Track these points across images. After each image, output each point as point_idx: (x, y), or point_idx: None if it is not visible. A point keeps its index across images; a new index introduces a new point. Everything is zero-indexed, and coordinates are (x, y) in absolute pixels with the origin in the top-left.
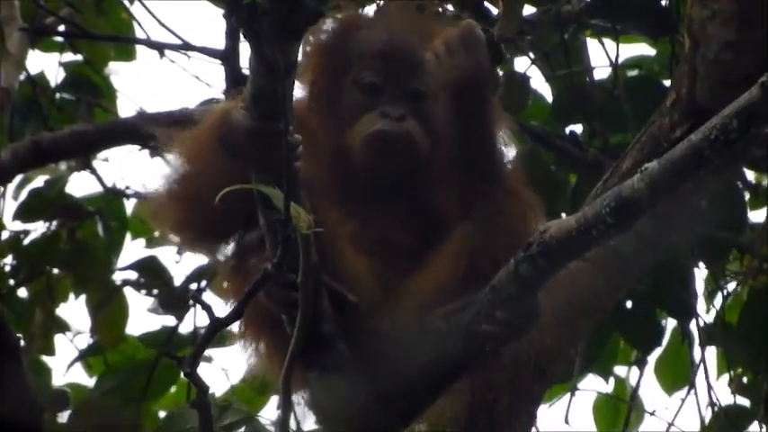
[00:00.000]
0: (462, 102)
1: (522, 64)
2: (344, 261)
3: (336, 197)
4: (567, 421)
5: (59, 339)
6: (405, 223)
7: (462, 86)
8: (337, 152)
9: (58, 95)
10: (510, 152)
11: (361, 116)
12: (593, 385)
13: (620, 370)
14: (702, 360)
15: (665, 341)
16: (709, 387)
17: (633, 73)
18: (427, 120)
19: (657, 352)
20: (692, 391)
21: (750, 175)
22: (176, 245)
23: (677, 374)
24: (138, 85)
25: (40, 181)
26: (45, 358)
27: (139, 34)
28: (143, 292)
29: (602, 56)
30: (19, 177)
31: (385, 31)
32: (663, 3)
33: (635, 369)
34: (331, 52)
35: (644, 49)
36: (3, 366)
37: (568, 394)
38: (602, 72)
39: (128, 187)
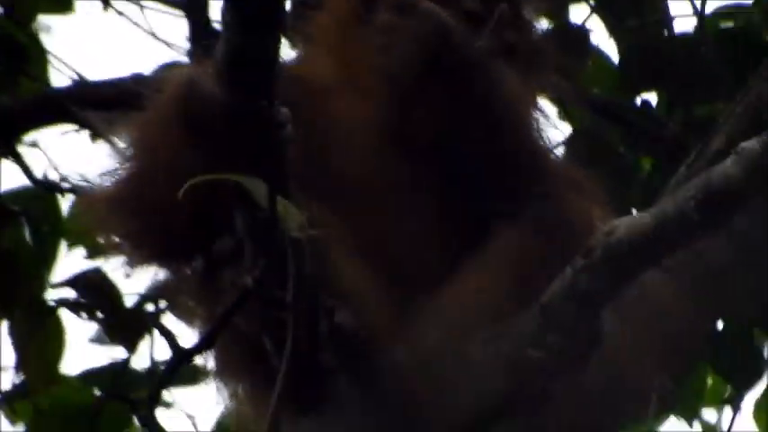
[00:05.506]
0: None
1: (579, 14)
2: (346, 272)
3: (339, 184)
4: None
5: None
6: (428, 225)
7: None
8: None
9: None
10: (557, 131)
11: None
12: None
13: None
14: None
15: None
16: None
17: (726, 25)
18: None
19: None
20: None
21: None
22: (126, 259)
23: None
24: (77, 46)
25: None
26: None
27: None
28: (84, 315)
29: (683, 4)
30: None
31: None
32: None
33: (728, 410)
34: None
35: None
36: None
37: None
38: (683, 24)
39: (63, 179)
